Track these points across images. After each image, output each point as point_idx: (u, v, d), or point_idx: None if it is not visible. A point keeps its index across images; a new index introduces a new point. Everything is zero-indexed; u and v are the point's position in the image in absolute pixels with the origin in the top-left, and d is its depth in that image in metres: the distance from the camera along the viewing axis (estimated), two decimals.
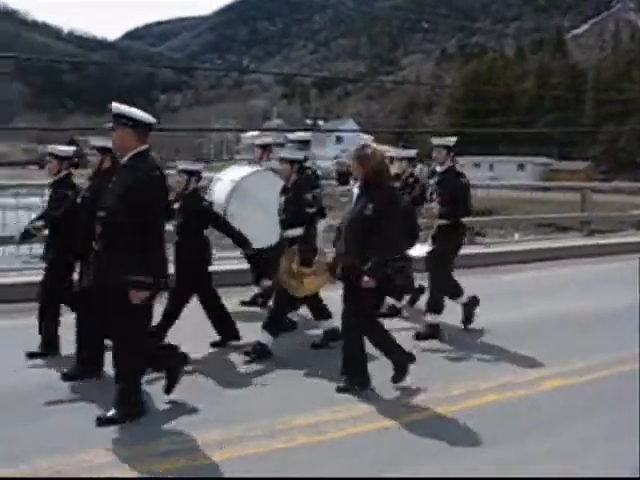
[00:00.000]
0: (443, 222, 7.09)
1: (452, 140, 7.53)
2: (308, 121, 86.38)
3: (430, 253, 7.25)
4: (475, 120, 65.97)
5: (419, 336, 6.91)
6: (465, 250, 8.23)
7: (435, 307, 7.05)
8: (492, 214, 19.56)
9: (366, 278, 5.03)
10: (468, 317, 7.32)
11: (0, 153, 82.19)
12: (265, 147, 8.12)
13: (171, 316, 6.24)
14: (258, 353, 6.07)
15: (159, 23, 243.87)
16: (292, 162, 6.54)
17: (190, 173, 6.50)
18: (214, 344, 6.40)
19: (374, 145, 5.65)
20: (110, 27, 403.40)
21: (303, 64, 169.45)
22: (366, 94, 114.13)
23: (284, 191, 6.49)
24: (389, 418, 4.66)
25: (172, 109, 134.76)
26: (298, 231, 6.42)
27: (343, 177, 9.08)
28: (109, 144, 5.69)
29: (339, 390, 5.25)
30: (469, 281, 7.62)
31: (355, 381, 5.32)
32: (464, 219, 7.31)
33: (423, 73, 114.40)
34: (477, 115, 68.56)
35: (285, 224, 6.41)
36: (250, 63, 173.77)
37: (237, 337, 6.40)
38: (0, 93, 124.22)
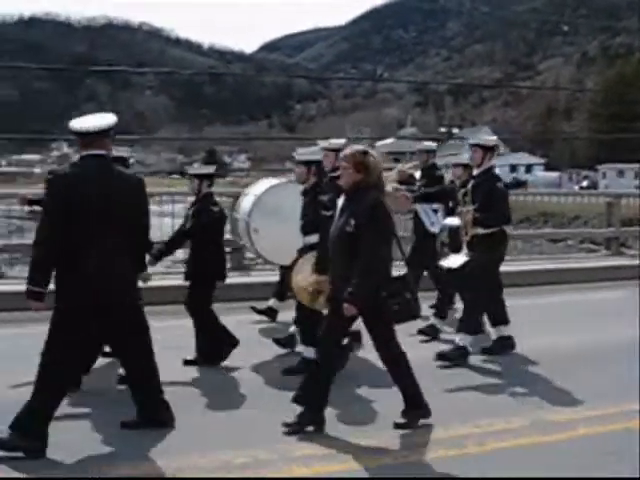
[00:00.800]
0: (481, 231, 6.49)
1: (491, 139, 6.96)
2: (442, 129, 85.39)
3: (465, 265, 6.55)
4: (619, 125, 62.83)
5: (442, 357, 6.23)
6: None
7: (467, 327, 6.37)
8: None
9: (346, 305, 4.50)
10: (492, 351, 6.51)
11: (146, 163, 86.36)
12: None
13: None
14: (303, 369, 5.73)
15: (295, 35, 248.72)
16: (308, 164, 6.10)
17: (201, 177, 6.35)
18: (188, 362, 6.11)
19: (373, 152, 4.95)
20: (248, 40, 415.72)
21: (437, 71, 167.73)
22: (502, 101, 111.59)
23: (303, 194, 6.10)
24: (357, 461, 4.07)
25: (308, 118, 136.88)
26: (314, 237, 5.88)
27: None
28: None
29: (286, 425, 4.57)
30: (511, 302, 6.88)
31: (307, 418, 4.62)
32: (505, 227, 6.62)
33: (562, 77, 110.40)
34: (621, 119, 65.24)
35: (304, 229, 5.99)
36: (384, 72, 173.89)
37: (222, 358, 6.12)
38: (147, 106, 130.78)
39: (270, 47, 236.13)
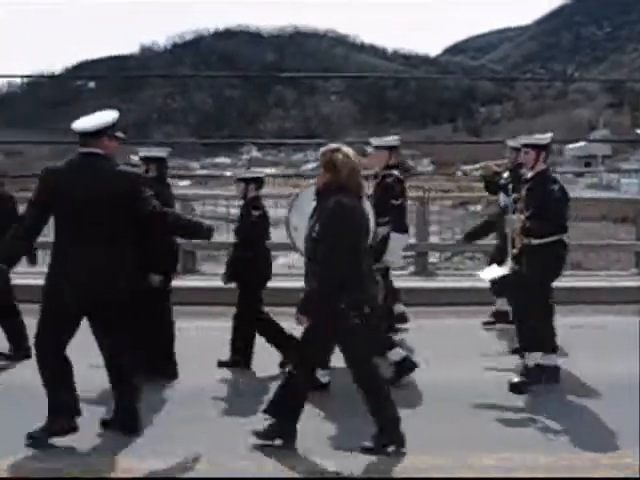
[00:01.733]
0: (534, 241, 5.71)
1: (544, 137, 6.05)
2: (638, 131, 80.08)
3: (514, 278, 5.89)
4: None
5: (517, 388, 5.54)
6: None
7: (531, 345, 5.70)
8: None
9: (297, 315, 4.24)
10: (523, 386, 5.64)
11: None
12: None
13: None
14: (398, 373, 5.67)
15: (479, 36, 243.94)
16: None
17: (247, 181, 6.26)
18: (222, 363, 6.16)
19: (346, 149, 4.48)
20: (432, 44, 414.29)
21: (633, 69, 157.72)
22: None
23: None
24: None
25: (493, 121, 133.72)
26: None
27: (492, 185, 7.49)
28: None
29: (256, 434, 4.38)
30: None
31: (276, 430, 4.38)
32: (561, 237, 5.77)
33: None
34: None
35: None
36: (574, 71, 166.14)
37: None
38: (332, 110, 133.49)
39: (454, 50, 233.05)
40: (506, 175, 7.35)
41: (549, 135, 6.12)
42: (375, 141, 6.99)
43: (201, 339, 6.95)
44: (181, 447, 4.38)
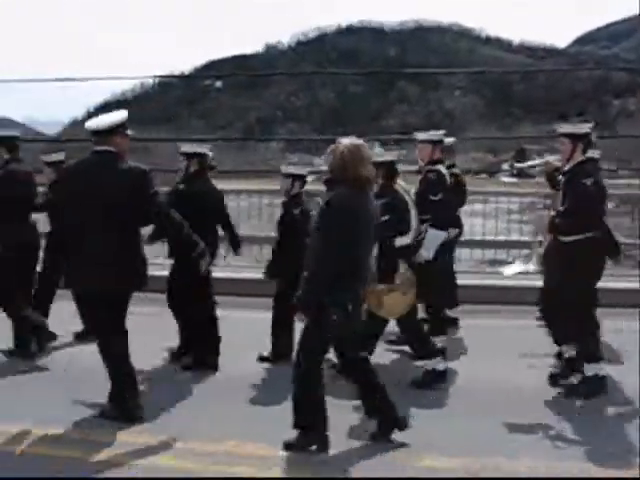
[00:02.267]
0: (565, 239, 5.38)
1: (582, 126, 5.57)
2: None
3: (548, 282, 5.62)
4: None
5: (573, 392, 5.42)
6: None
7: (589, 355, 5.41)
8: None
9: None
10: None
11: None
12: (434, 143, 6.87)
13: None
14: (428, 381, 5.73)
15: (611, 25, 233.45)
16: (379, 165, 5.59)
17: (293, 177, 6.46)
18: (263, 358, 6.41)
19: (345, 141, 4.46)
20: (560, 34, 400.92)
21: None
22: None
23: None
24: None
25: (627, 114, 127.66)
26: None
27: (554, 181, 6.80)
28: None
29: (286, 447, 4.43)
30: None
31: (308, 439, 4.41)
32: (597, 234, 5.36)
33: None
34: None
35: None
36: None
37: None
38: (456, 106, 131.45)
39: (584, 40, 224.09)
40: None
41: (588, 125, 5.67)
42: (419, 135, 6.88)
43: (241, 330, 7.16)
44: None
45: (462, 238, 8.13)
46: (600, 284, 5.77)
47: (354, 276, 4.37)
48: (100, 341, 5.00)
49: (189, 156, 6.50)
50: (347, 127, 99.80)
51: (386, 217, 5.33)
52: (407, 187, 6.26)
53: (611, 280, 8.63)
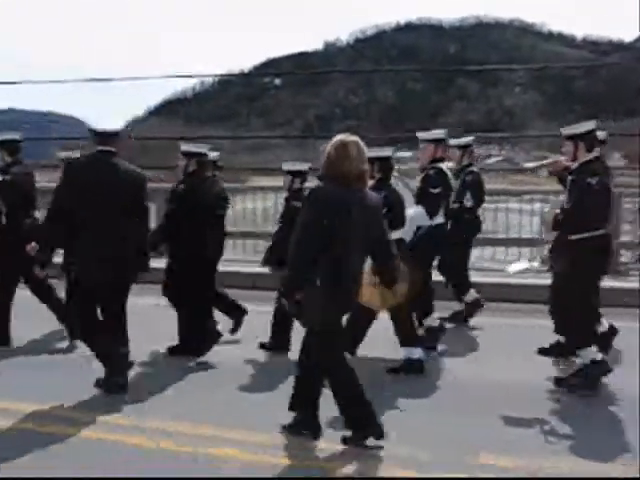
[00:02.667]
0: (570, 236, 5.50)
1: (582, 126, 5.62)
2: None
3: (555, 279, 5.75)
4: None
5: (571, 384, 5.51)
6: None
7: (578, 343, 5.57)
8: None
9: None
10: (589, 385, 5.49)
11: (514, 160, 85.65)
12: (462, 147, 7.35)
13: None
14: (406, 369, 5.98)
15: None
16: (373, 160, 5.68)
17: (293, 174, 6.64)
18: (263, 345, 6.65)
19: (341, 140, 4.52)
20: (626, 28, 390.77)
21: None
22: None
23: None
24: None
25: None
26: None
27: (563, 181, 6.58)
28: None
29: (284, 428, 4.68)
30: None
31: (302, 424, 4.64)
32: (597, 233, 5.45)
33: None
34: None
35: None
36: None
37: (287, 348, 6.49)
38: (516, 102, 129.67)
39: None
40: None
41: (588, 124, 5.69)
42: (421, 135, 7.00)
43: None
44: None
45: (517, 236, 8.14)
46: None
47: (322, 267, 4.39)
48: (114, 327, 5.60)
49: (188, 155, 6.59)
50: (405, 124, 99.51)
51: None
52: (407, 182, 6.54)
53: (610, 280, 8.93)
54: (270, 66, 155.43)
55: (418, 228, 6.45)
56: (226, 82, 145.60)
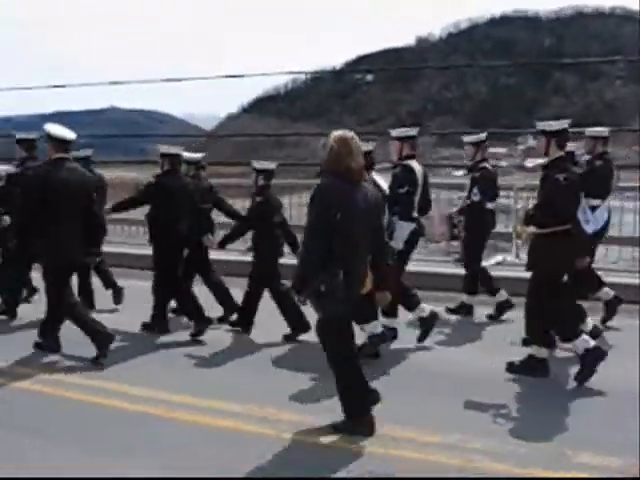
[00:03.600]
0: (537, 231, 5.85)
1: (556, 123, 5.91)
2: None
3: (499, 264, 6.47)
4: None
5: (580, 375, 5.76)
6: None
7: (565, 335, 5.86)
8: None
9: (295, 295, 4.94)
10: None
11: (616, 156, 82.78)
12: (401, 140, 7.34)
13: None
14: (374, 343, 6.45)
15: None
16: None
17: (257, 172, 7.42)
18: (287, 336, 7.25)
19: (336, 133, 4.77)
20: None
21: None
22: None
23: None
24: None
25: None
26: None
27: None
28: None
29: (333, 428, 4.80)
30: None
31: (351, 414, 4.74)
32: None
33: None
34: None
35: None
36: None
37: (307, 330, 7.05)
38: (616, 96, 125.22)
39: None
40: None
41: (563, 122, 5.99)
42: (392, 132, 7.35)
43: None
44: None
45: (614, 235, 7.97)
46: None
47: (335, 260, 4.58)
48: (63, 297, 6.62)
49: (162, 156, 7.53)
50: (500, 120, 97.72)
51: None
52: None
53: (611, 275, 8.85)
54: (362, 62, 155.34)
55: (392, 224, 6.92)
56: (318, 79, 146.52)
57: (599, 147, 7.67)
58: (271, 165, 7.63)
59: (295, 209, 11.71)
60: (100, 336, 6.50)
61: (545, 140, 5.87)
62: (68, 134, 6.58)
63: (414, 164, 7.15)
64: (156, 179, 7.56)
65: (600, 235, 7.69)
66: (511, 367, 6.03)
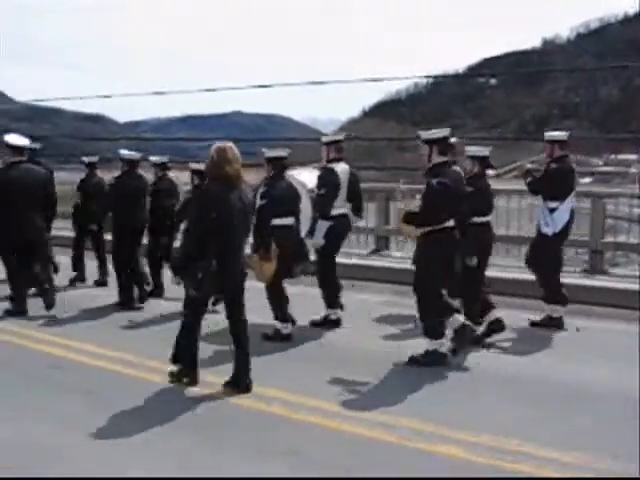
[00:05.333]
0: (420, 230, 6.41)
1: (434, 132, 6.51)
2: None
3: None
4: None
5: (414, 361, 6.51)
6: None
7: (430, 333, 6.48)
8: None
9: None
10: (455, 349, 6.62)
11: None
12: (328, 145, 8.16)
13: None
14: (274, 338, 7.55)
15: None
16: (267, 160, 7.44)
17: (193, 172, 8.44)
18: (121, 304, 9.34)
19: (222, 146, 5.64)
20: None
21: None
22: None
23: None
24: None
25: None
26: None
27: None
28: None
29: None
30: None
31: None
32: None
33: None
34: None
35: None
36: None
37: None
38: None
39: None
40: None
41: (443, 131, 6.53)
42: (322, 138, 8.38)
43: None
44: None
45: None
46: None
47: (211, 252, 5.56)
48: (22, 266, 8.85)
49: (120, 159, 9.58)
50: (631, 124, 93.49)
51: (262, 202, 7.03)
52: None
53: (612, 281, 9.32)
54: (485, 66, 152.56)
55: (315, 221, 7.82)
56: (440, 83, 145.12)
57: (557, 150, 7.91)
58: (199, 166, 8.15)
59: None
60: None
61: (428, 148, 6.37)
62: (22, 142, 8.78)
63: (338, 166, 7.97)
64: (115, 179, 9.68)
65: (561, 237, 7.88)
66: (411, 360, 6.51)
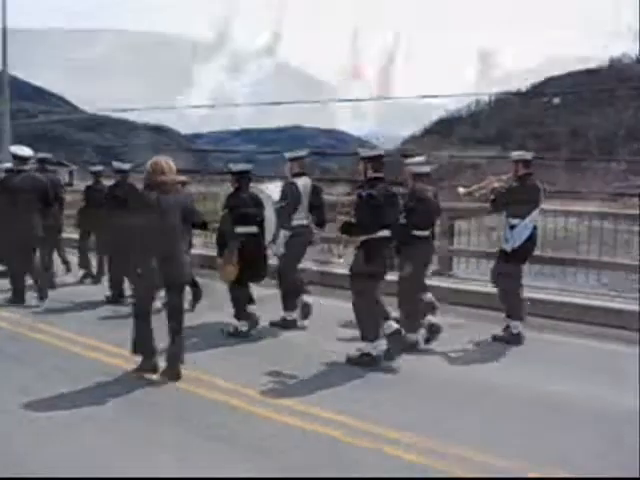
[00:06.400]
0: (355, 239, 6.98)
1: (367, 151, 7.07)
2: None
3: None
4: None
5: (353, 360, 6.97)
6: None
7: (367, 336, 6.93)
8: None
9: None
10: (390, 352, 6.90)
11: None
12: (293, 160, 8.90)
13: None
14: (233, 334, 8.41)
15: None
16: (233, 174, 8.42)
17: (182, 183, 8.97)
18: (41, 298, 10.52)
19: (156, 160, 6.51)
20: None
21: None
22: None
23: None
24: None
25: None
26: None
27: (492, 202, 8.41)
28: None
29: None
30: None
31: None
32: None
33: None
34: None
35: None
36: None
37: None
38: None
39: None
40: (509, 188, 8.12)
41: (377, 150, 7.28)
42: (286, 154, 8.92)
43: None
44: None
45: None
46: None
47: (149, 251, 6.39)
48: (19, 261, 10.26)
49: (90, 172, 12.40)
50: None
51: (225, 212, 8.07)
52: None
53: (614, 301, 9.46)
54: (550, 85, 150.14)
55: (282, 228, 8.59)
56: (502, 101, 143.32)
57: (521, 169, 8.19)
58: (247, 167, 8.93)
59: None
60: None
61: (363, 164, 6.96)
62: (23, 152, 10.26)
63: (300, 180, 8.76)
64: (109, 188, 11.35)
65: (521, 253, 8.06)
66: (348, 359, 7.03)
